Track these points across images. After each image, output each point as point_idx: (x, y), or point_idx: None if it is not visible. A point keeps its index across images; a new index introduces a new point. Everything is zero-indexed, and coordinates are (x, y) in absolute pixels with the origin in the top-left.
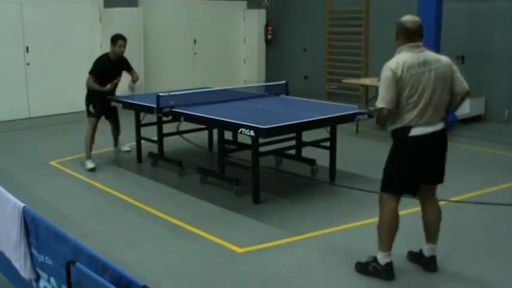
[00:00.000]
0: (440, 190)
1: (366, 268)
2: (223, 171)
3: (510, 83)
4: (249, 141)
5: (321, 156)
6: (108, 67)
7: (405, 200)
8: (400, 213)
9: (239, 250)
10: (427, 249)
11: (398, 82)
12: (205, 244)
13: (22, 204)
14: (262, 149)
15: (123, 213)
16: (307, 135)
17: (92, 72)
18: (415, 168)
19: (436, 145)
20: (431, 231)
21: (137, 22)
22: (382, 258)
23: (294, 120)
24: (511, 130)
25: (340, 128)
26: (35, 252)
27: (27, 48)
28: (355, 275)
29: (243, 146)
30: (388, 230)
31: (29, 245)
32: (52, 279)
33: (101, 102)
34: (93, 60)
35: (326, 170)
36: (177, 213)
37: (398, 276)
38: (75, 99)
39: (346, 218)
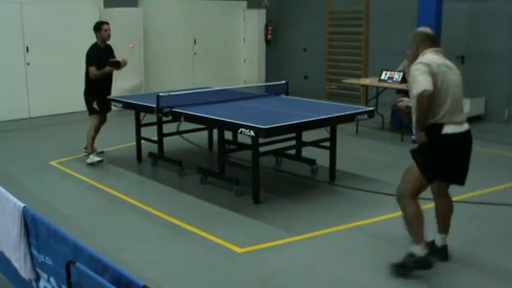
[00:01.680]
0: None
1: (405, 266)
2: (223, 171)
3: (510, 83)
4: (249, 141)
5: (321, 156)
6: (100, 55)
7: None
8: None
9: (239, 250)
10: (439, 239)
11: (432, 74)
12: (205, 244)
13: (22, 204)
14: (262, 149)
15: (123, 213)
16: (307, 135)
17: (92, 63)
18: (443, 161)
19: (464, 145)
20: (444, 221)
21: (137, 22)
22: (419, 250)
23: (294, 120)
24: (511, 130)
25: (340, 128)
26: (35, 252)
27: (27, 48)
28: (355, 275)
29: (243, 146)
30: (417, 223)
31: (29, 245)
32: (52, 279)
33: (103, 98)
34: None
35: (326, 170)
36: (177, 213)
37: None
38: (75, 99)
39: (346, 218)
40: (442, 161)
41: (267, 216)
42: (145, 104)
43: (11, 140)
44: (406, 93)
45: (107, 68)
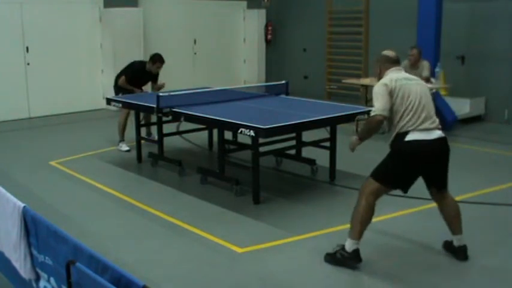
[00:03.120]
0: None
1: (334, 257)
2: (223, 171)
3: (510, 83)
4: (249, 141)
5: (321, 156)
6: (140, 74)
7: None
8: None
9: (239, 250)
10: (455, 241)
11: (390, 93)
12: (205, 244)
13: (22, 204)
14: (262, 149)
15: (123, 213)
16: (307, 135)
17: (127, 74)
18: (410, 170)
19: (434, 152)
20: (454, 224)
21: (137, 22)
22: (350, 246)
23: (294, 120)
24: (511, 130)
25: (340, 128)
26: (35, 252)
27: (27, 48)
28: (355, 275)
29: (243, 146)
30: (363, 222)
31: (29, 245)
32: (52, 279)
33: (130, 93)
34: (94, 60)
35: (326, 170)
36: (177, 213)
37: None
38: (75, 99)
39: (346, 218)
40: (407, 167)
41: (267, 216)
42: (146, 104)
43: (11, 140)
44: None
45: (135, 89)
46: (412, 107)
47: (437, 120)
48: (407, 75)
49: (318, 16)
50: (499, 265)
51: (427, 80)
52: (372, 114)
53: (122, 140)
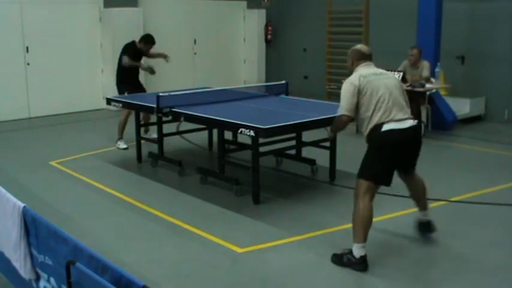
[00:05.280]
0: (441, 190)
1: (341, 259)
2: (223, 171)
3: (510, 83)
4: (249, 141)
5: (321, 156)
6: (137, 54)
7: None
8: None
9: (239, 250)
10: (421, 216)
11: (359, 91)
12: (205, 244)
13: (22, 204)
14: (262, 149)
15: (123, 213)
16: (307, 135)
17: (127, 53)
18: (390, 160)
19: (408, 141)
20: (421, 201)
21: (137, 22)
22: (357, 251)
23: (294, 120)
24: (511, 130)
25: None
26: (35, 252)
27: (27, 48)
28: (355, 275)
29: (243, 146)
30: (364, 224)
31: (29, 245)
32: (52, 279)
33: (134, 89)
34: (94, 60)
35: (326, 170)
36: (177, 213)
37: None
38: (75, 99)
39: (346, 218)
40: (385, 157)
41: (267, 216)
42: (146, 104)
43: (11, 140)
44: (406, 93)
45: (139, 62)
46: (383, 101)
47: (409, 111)
48: (376, 69)
49: (318, 16)
50: (499, 265)
51: (427, 80)
52: (338, 113)
53: (120, 137)
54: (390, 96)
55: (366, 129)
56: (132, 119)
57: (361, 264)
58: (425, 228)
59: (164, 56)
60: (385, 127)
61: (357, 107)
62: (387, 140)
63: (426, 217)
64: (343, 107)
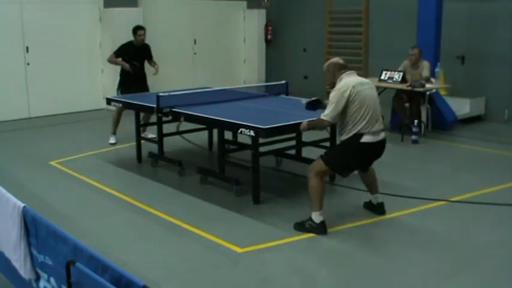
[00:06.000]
0: (441, 190)
1: (303, 226)
2: (223, 171)
3: (510, 83)
4: (249, 141)
5: None
6: (131, 52)
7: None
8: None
9: (239, 250)
10: (374, 199)
11: (348, 100)
12: (205, 244)
13: (22, 204)
14: (262, 149)
15: (123, 213)
16: (307, 135)
17: (115, 52)
18: (357, 162)
19: (377, 149)
20: (373, 186)
21: (137, 22)
22: (316, 217)
23: (294, 120)
24: (511, 130)
25: None
26: (35, 252)
27: (27, 48)
28: (355, 275)
29: (243, 146)
30: (319, 194)
31: (29, 245)
32: (52, 279)
33: (132, 91)
34: (94, 60)
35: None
36: (177, 213)
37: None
38: (75, 99)
39: (346, 218)
40: (356, 160)
41: (267, 216)
42: (146, 104)
43: (11, 140)
44: (406, 93)
45: (123, 63)
46: (368, 112)
47: (382, 124)
48: (360, 79)
49: (318, 16)
50: (499, 265)
51: (427, 80)
52: (322, 117)
53: (113, 132)
54: (373, 108)
55: (347, 133)
56: (130, 117)
57: (321, 229)
58: (377, 208)
59: (154, 67)
60: (364, 139)
61: (343, 112)
62: (362, 150)
63: (378, 199)
64: (328, 114)
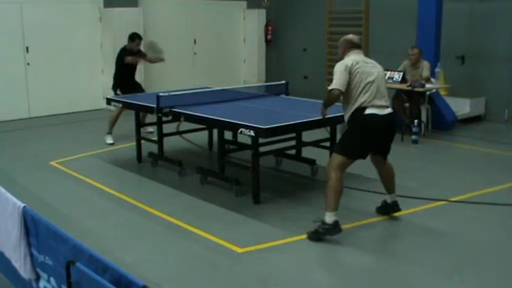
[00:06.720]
0: (441, 190)
1: (317, 233)
2: (223, 171)
3: (510, 83)
4: (249, 141)
5: (321, 156)
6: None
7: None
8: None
9: (239, 250)
10: (389, 198)
11: (350, 72)
12: (205, 244)
13: (22, 204)
14: (262, 149)
15: (123, 213)
16: (307, 135)
17: (125, 53)
18: (366, 140)
19: (385, 125)
20: (390, 185)
21: (137, 22)
22: (330, 217)
23: (294, 120)
24: (511, 130)
25: (340, 128)
26: (35, 252)
27: (27, 48)
28: (355, 275)
29: (243, 146)
30: (337, 194)
31: (29, 245)
32: (52, 279)
33: (130, 90)
34: (94, 60)
35: (326, 170)
36: (177, 213)
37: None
38: (75, 99)
39: (346, 218)
40: (364, 137)
41: (267, 216)
42: (146, 104)
43: (11, 140)
44: (406, 93)
45: (135, 58)
46: (370, 86)
47: (388, 100)
48: (365, 58)
49: (318, 16)
50: (499, 265)
51: (428, 80)
52: (330, 88)
53: (109, 132)
54: (376, 84)
55: (350, 109)
56: (128, 117)
57: (335, 229)
58: (392, 208)
59: (161, 59)
60: (367, 111)
61: (346, 88)
62: (367, 123)
63: (393, 199)
64: (335, 82)
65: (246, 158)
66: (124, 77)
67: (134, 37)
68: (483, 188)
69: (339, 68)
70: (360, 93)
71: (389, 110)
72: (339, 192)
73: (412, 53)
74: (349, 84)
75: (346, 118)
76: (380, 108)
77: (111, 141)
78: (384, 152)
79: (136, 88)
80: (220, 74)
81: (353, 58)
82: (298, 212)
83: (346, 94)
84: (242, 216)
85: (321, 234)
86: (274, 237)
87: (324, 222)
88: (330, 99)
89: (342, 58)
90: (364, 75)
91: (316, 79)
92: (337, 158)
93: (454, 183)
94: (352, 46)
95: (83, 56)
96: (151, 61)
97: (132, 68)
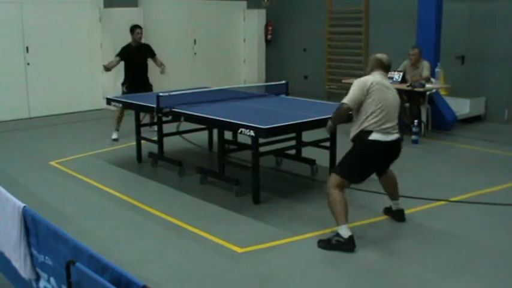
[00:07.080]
0: (441, 190)
1: (330, 243)
2: (223, 171)
3: (510, 83)
4: (249, 141)
5: (321, 156)
6: (131, 52)
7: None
8: None
9: (239, 250)
10: (393, 205)
11: (367, 91)
12: (205, 244)
13: (22, 204)
14: (262, 149)
15: (123, 213)
16: (307, 135)
17: (117, 54)
18: (367, 166)
19: (390, 151)
20: (393, 193)
21: (137, 22)
22: (344, 232)
23: (294, 120)
24: (511, 130)
25: (340, 128)
26: (35, 252)
27: (27, 48)
28: (355, 276)
29: (243, 146)
30: (342, 207)
31: (29, 245)
32: (52, 279)
33: (134, 88)
34: (94, 60)
35: (326, 170)
36: (177, 213)
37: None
38: (75, 99)
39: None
40: (365, 164)
41: (267, 216)
42: (145, 104)
43: (11, 140)
44: (406, 93)
45: (112, 63)
46: (381, 112)
47: (397, 127)
48: (387, 83)
49: (318, 16)
50: (499, 265)
51: (428, 80)
52: (342, 101)
53: (115, 129)
54: (388, 110)
55: (357, 129)
56: (129, 117)
57: (349, 244)
58: (397, 215)
59: (161, 66)
60: (372, 136)
61: (359, 106)
62: (371, 150)
63: (398, 206)
64: (348, 97)
65: (246, 158)
66: (131, 75)
67: (133, 28)
68: (483, 188)
69: (357, 84)
70: (370, 115)
71: (395, 136)
72: (343, 203)
73: (412, 53)
74: (362, 103)
75: (351, 136)
76: (386, 133)
77: (115, 137)
78: (385, 169)
79: (144, 88)
80: (220, 74)
81: (374, 78)
82: (298, 211)
83: (356, 112)
84: (242, 216)
85: (334, 246)
86: (274, 237)
87: (338, 234)
88: (339, 113)
89: (367, 74)
90: (379, 99)
91: (316, 79)
92: (336, 179)
93: (454, 183)
94: (380, 66)
95: (83, 56)
96: (157, 64)
97: (140, 67)
